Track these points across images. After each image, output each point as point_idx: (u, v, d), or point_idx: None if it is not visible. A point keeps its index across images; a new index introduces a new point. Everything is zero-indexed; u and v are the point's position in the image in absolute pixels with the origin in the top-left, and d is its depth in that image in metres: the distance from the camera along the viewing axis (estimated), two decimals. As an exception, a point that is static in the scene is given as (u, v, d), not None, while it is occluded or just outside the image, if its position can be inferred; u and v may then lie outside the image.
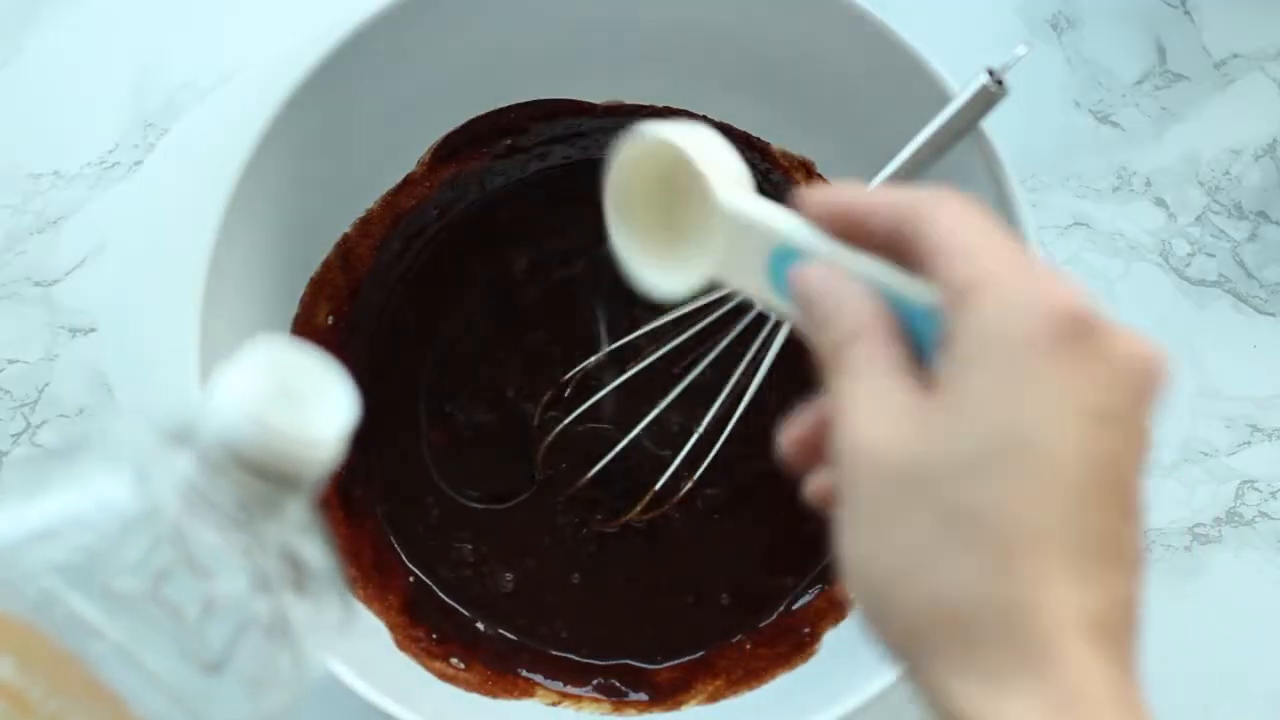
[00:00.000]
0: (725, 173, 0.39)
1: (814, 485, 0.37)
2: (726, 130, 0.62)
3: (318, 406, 0.33)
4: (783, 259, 0.37)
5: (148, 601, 0.32)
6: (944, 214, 0.34)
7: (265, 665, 0.33)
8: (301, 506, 0.34)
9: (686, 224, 0.40)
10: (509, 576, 0.63)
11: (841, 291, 0.35)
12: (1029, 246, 0.52)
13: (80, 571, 0.32)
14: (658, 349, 0.61)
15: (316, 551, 0.34)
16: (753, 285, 0.38)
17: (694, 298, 0.60)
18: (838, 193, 0.36)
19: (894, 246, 0.35)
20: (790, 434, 0.38)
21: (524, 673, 0.62)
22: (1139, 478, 0.32)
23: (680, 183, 0.39)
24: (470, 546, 0.64)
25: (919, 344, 0.35)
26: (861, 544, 0.33)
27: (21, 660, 0.32)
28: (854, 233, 0.36)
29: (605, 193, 0.40)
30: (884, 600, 0.32)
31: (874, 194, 0.36)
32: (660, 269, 0.40)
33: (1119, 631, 0.31)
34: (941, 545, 0.31)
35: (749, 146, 0.63)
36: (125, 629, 0.32)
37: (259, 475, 0.32)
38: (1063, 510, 0.31)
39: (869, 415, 0.33)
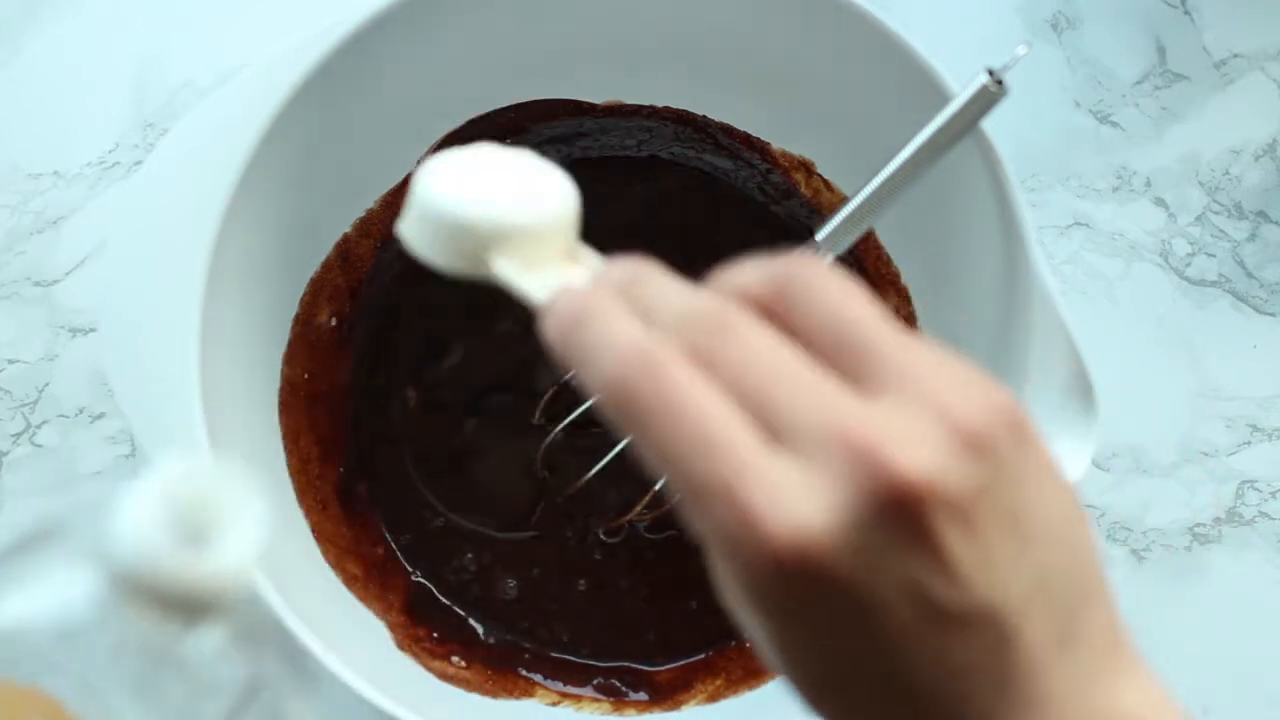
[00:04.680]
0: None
1: None
2: (727, 130, 0.62)
3: (222, 535, 0.30)
4: None
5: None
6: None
7: None
8: (216, 630, 0.32)
9: None
10: (512, 583, 0.63)
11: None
12: (1031, 249, 0.52)
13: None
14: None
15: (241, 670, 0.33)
16: None
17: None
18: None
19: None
20: None
21: (524, 673, 0.62)
22: None
23: None
24: (472, 555, 0.63)
25: None
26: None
27: None
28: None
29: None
30: None
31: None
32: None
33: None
34: None
35: (749, 146, 0.62)
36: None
37: (165, 605, 0.30)
38: None
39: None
